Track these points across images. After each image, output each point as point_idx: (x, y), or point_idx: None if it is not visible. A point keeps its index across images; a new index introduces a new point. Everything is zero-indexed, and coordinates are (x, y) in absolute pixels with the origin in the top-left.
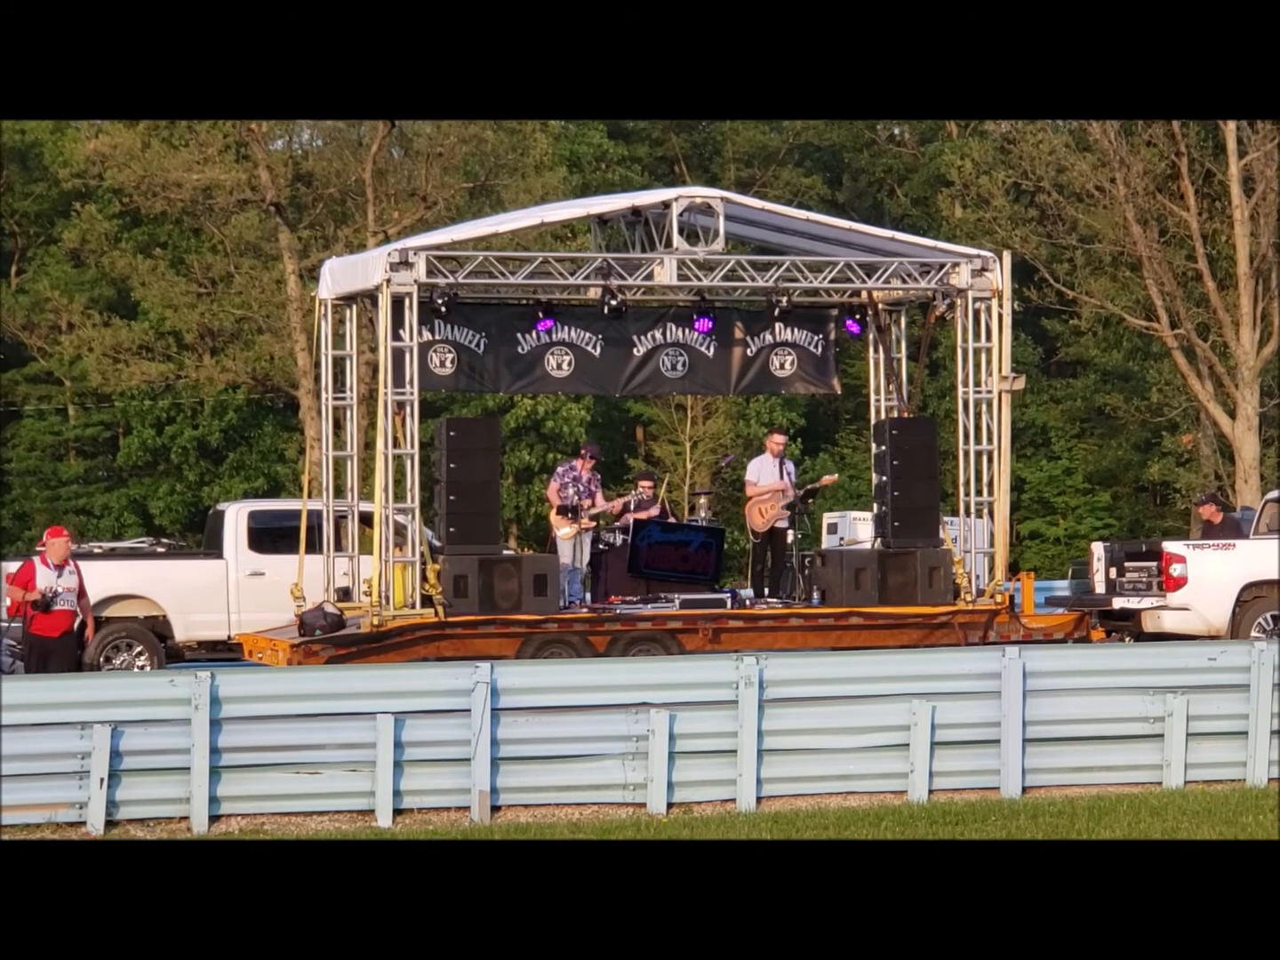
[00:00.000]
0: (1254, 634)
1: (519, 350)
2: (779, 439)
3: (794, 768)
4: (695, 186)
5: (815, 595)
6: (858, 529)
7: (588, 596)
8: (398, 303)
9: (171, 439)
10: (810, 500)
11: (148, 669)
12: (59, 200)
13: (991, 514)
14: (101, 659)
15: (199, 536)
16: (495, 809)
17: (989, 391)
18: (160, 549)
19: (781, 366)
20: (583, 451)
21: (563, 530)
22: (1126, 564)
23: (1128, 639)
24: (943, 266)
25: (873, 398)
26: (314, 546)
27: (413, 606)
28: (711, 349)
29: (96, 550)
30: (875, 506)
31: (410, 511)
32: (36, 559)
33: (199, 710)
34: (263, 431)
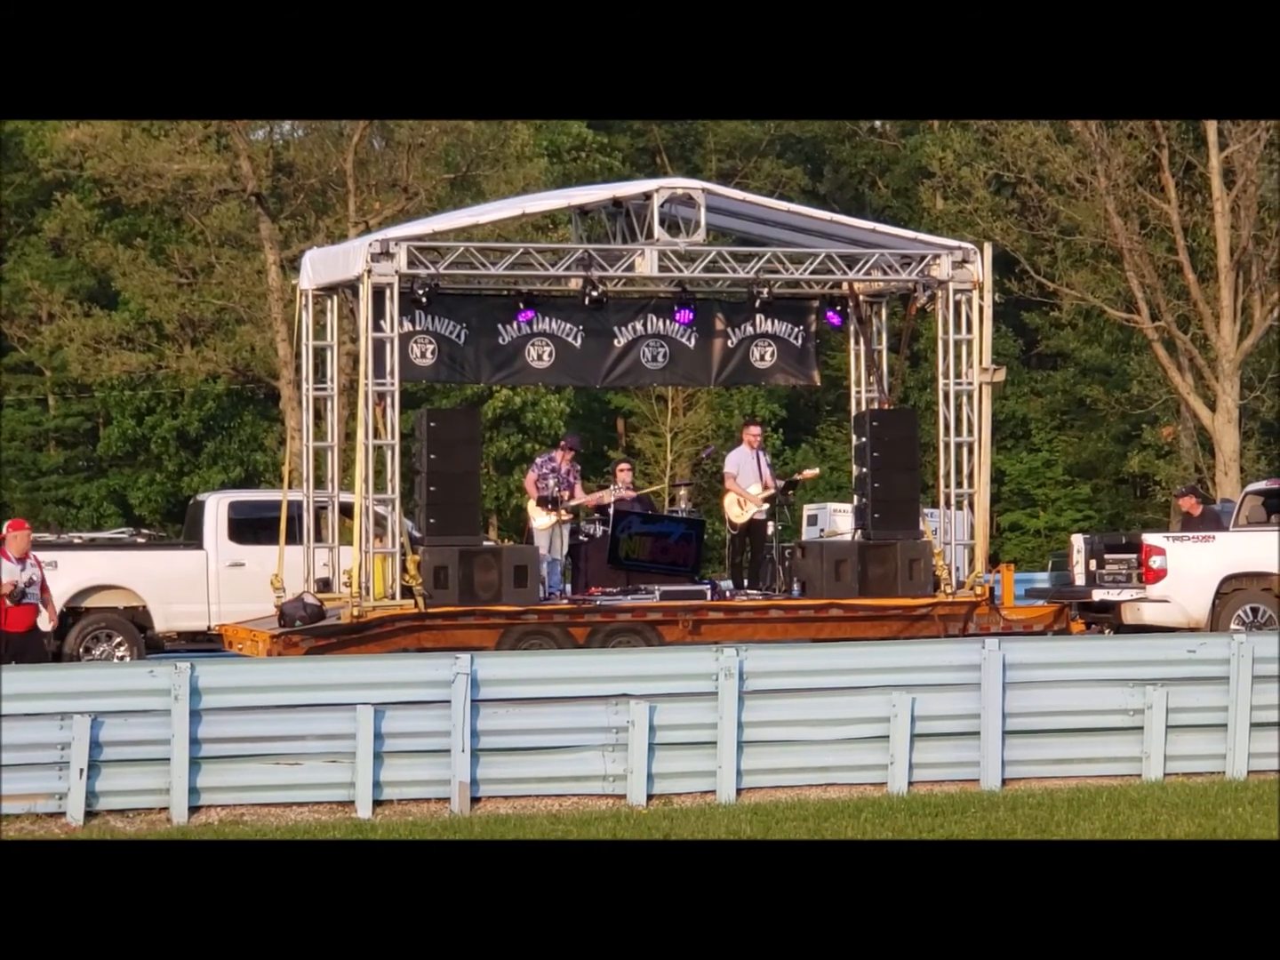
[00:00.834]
0: (1233, 626)
1: (500, 341)
2: (755, 431)
3: (774, 759)
4: (676, 177)
5: (795, 587)
6: (838, 521)
7: (568, 588)
8: (379, 293)
9: (151, 429)
10: (790, 492)
11: (127, 659)
12: (39, 190)
13: (972, 506)
14: (81, 649)
15: (178, 527)
16: (475, 800)
17: (969, 383)
18: (140, 539)
19: (762, 358)
20: (562, 443)
21: (539, 521)
22: (1106, 556)
23: (1107, 631)
24: (923, 258)
25: (853, 389)
26: (294, 537)
27: (393, 597)
28: (692, 340)
29: (76, 541)
30: (855, 498)
31: (390, 502)
32: None
33: (179, 701)
34: (242, 422)
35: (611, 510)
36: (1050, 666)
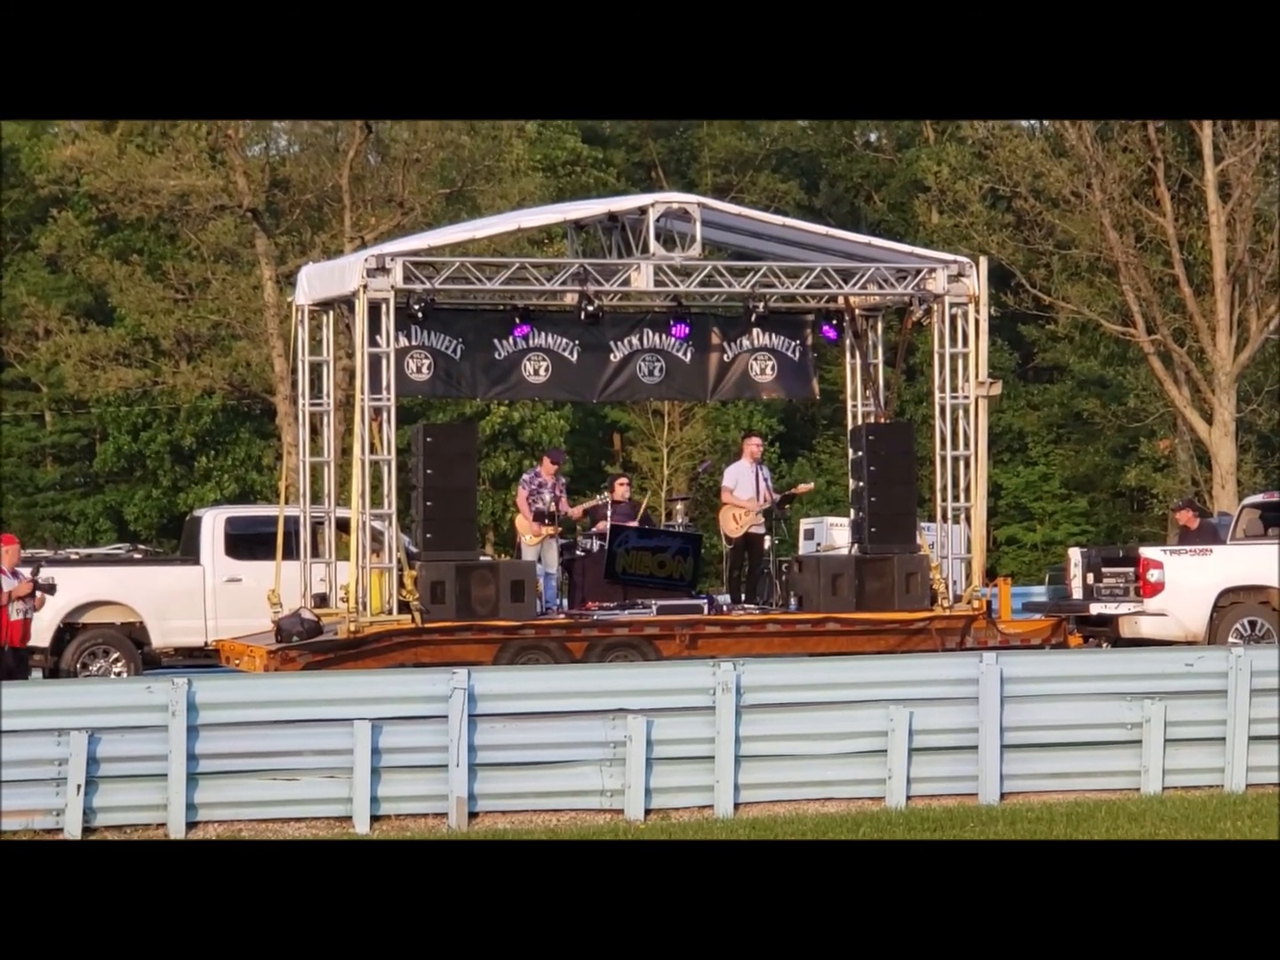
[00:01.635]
0: (1231, 639)
1: (496, 356)
2: (756, 443)
3: (771, 774)
4: (672, 192)
5: (792, 601)
6: (834, 535)
7: (564, 602)
8: (374, 308)
9: (146, 445)
10: (787, 506)
11: (125, 675)
12: (35, 206)
13: (969, 519)
14: (78, 665)
15: (174, 542)
16: (473, 815)
17: (966, 397)
18: (137, 555)
19: (759, 372)
20: (546, 457)
21: (527, 537)
22: (1104, 569)
23: (1105, 645)
24: (919, 272)
25: (850, 403)
26: (291, 553)
27: (390, 612)
28: (688, 355)
29: (73, 557)
30: (852, 512)
31: (387, 517)
32: None
33: (176, 717)
34: (238, 438)
35: (609, 525)
36: (1048, 680)
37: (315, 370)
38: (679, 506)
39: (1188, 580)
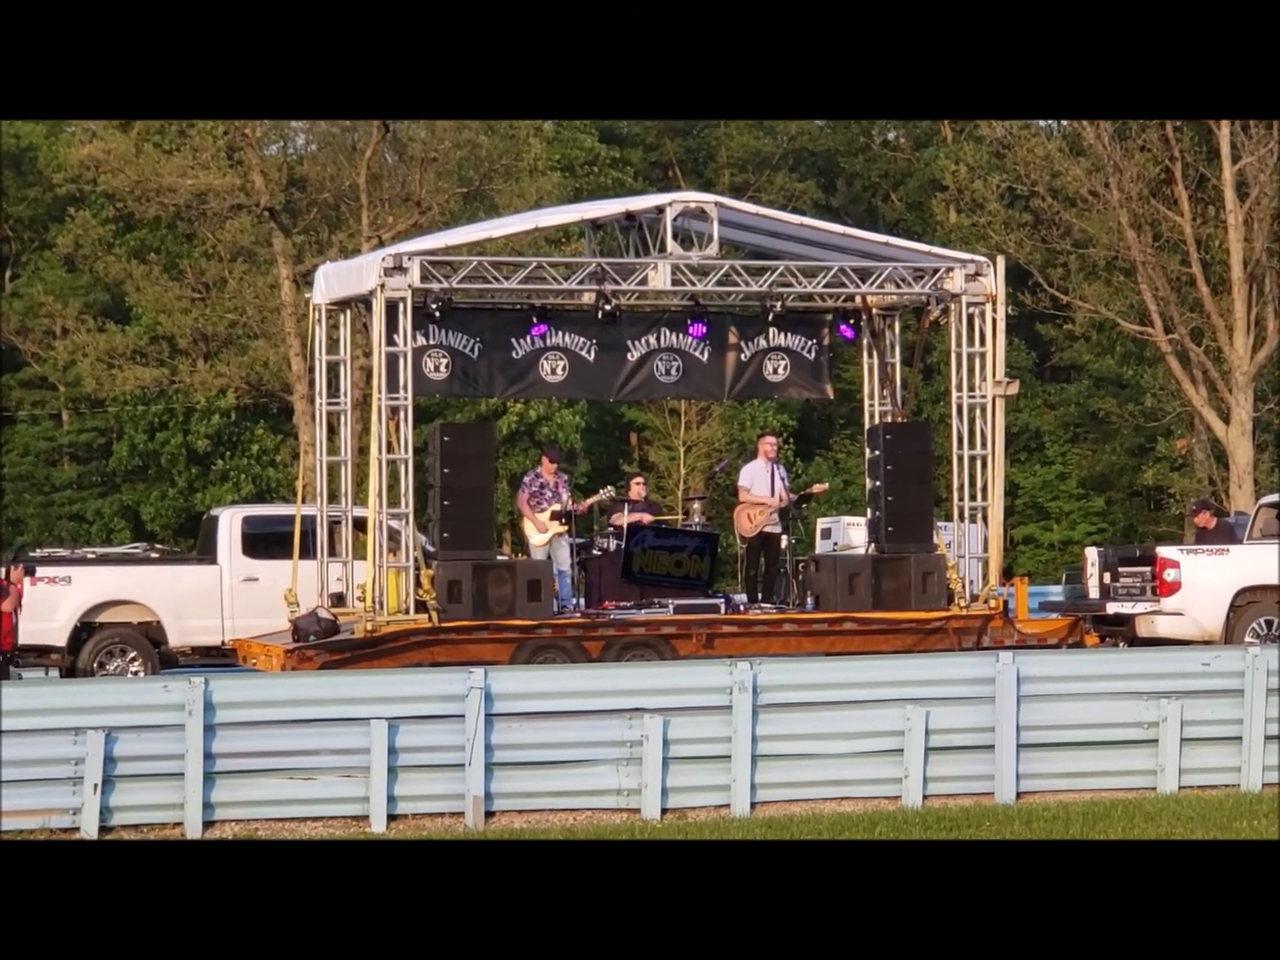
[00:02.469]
0: (1248, 639)
1: (513, 355)
2: (771, 442)
3: (788, 773)
4: (689, 191)
5: (809, 600)
6: (851, 534)
7: (580, 600)
8: (392, 307)
9: (162, 444)
10: (804, 505)
11: (141, 674)
12: (53, 205)
13: (985, 519)
14: (95, 665)
15: (190, 542)
16: (489, 814)
17: (983, 396)
18: (154, 554)
19: (775, 371)
20: (544, 456)
21: (536, 538)
22: (1120, 569)
23: (1122, 644)
24: (937, 271)
25: (866, 402)
26: (308, 552)
27: (406, 612)
28: (705, 354)
29: (90, 556)
30: (869, 511)
31: (404, 517)
32: None
33: (193, 716)
34: (254, 437)
35: (625, 524)
36: (1064, 680)
37: (332, 369)
38: (695, 506)
39: (1204, 580)
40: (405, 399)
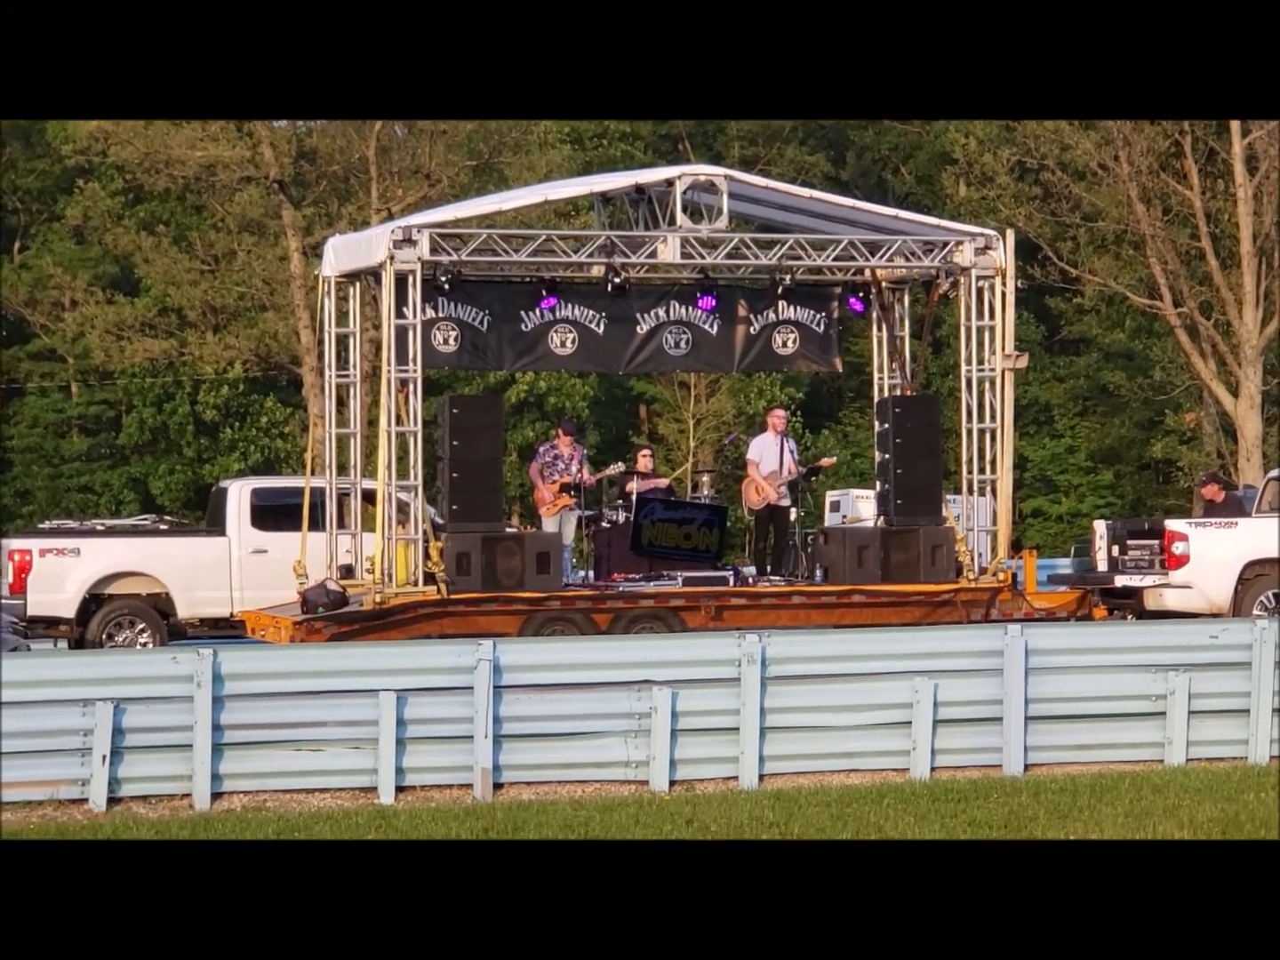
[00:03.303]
0: (1256, 612)
1: (522, 328)
2: (780, 415)
3: (796, 745)
4: (699, 164)
5: (818, 573)
6: (860, 507)
7: (581, 574)
8: (401, 280)
9: (170, 414)
10: (813, 478)
11: (150, 646)
12: (62, 177)
13: (994, 492)
14: (104, 636)
15: (199, 514)
16: (497, 786)
17: (992, 369)
18: (163, 526)
19: (784, 344)
20: (559, 428)
21: (544, 509)
22: (1129, 542)
23: (1130, 617)
24: (946, 244)
25: (876, 376)
26: (317, 524)
27: (415, 584)
28: (714, 327)
29: (99, 528)
30: (878, 484)
31: (413, 489)
32: None
33: (201, 687)
34: (262, 408)
35: (635, 497)
36: (1073, 652)
37: (342, 342)
38: (705, 478)
39: (1213, 553)
40: (414, 371)
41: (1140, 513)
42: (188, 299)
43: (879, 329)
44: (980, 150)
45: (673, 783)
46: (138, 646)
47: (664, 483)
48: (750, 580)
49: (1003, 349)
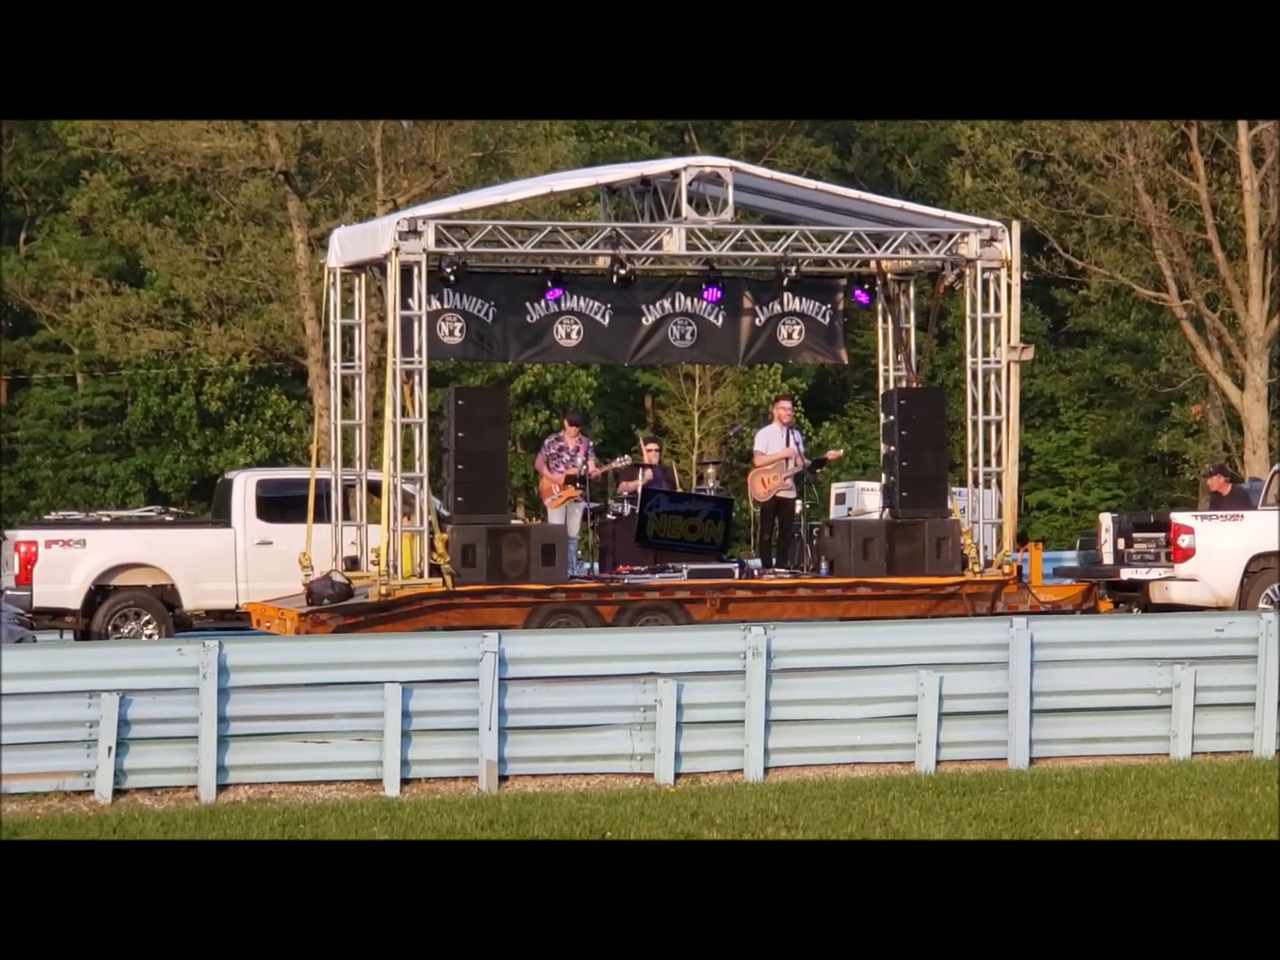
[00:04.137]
0: (1262, 605)
1: (528, 319)
2: (785, 406)
3: (801, 738)
4: (704, 156)
5: (823, 565)
6: (865, 499)
7: (586, 566)
8: (406, 271)
9: (175, 406)
10: (818, 471)
11: (156, 637)
12: (67, 168)
13: (1000, 484)
14: (109, 627)
15: (205, 505)
16: (503, 778)
17: (997, 362)
18: (168, 518)
19: (790, 336)
20: (566, 420)
21: (549, 501)
22: (1134, 535)
23: (1135, 610)
24: (952, 236)
25: (881, 368)
26: (322, 516)
27: (421, 576)
28: (720, 318)
29: (104, 519)
30: (883, 477)
31: (418, 481)
32: None
33: (207, 679)
34: (268, 400)
35: (640, 488)
36: (1078, 645)
37: (347, 333)
38: (710, 470)
39: (1219, 545)
40: (420, 363)
41: (1146, 505)
42: (193, 290)
43: (884, 321)
44: (986, 142)
45: (678, 775)
46: (143, 638)
47: (648, 461)
48: (755, 573)
49: (1008, 341)
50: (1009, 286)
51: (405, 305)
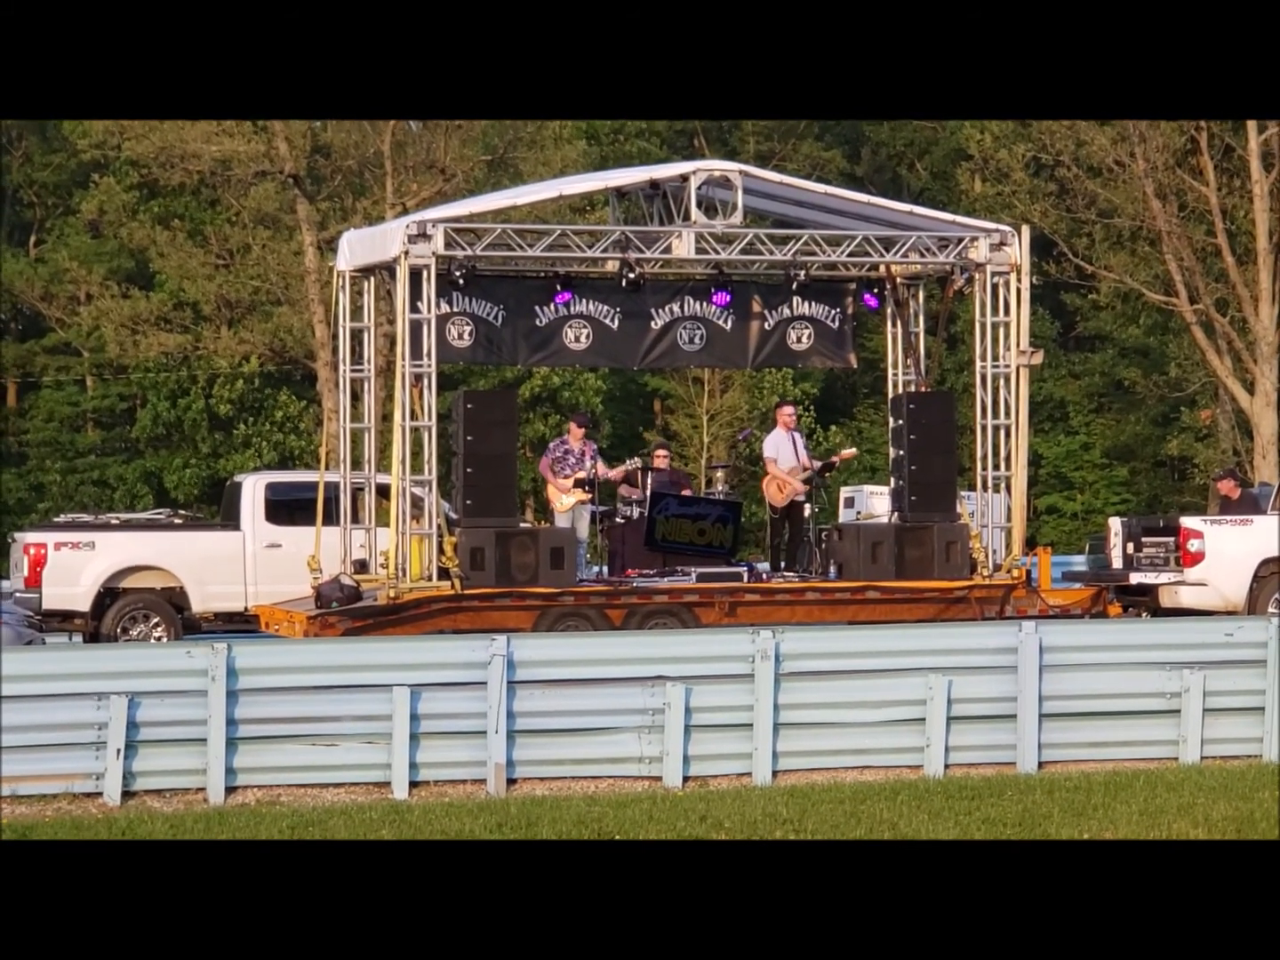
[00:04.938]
0: (1271, 609)
1: (537, 323)
2: (789, 411)
3: (810, 742)
4: (714, 160)
5: (832, 569)
6: (874, 503)
7: (594, 570)
8: (415, 275)
9: (184, 410)
10: (827, 474)
11: (165, 640)
12: (77, 171)
13: (1009, 489)
14: (118, 630)
15: (214, 508)
16: (511, 782)
17: (1007, 366)
18: (178, 520)
19: (799, 340)
20: (572, 422)
21: (557, 504)
22: (1144, 539)
23: (1145, 614)
24: (961, 241)
25: (890, 372)
26: (331, 518)
27: (429, 579)
28: (729, 322)
29: (114, 522)
30: (892, 481)
31: (427, 484)
32: None
33: (216, 682)
34: (278, 403)
35: (649, 492)
36: (1087, 650)
37: (356, 336)
38: (719, 474)
39: (1228, 550)
40: (429, 366)
41: (1155, 510)
42: (203, 293)
43: (893, 325)
44: (995, 146)
45: (686, 779)
46: (152, 641)
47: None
48: (764, 576)
49: (1017, 345)
50: (1018, 291)
51: (414, 308)
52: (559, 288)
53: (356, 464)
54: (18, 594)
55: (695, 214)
